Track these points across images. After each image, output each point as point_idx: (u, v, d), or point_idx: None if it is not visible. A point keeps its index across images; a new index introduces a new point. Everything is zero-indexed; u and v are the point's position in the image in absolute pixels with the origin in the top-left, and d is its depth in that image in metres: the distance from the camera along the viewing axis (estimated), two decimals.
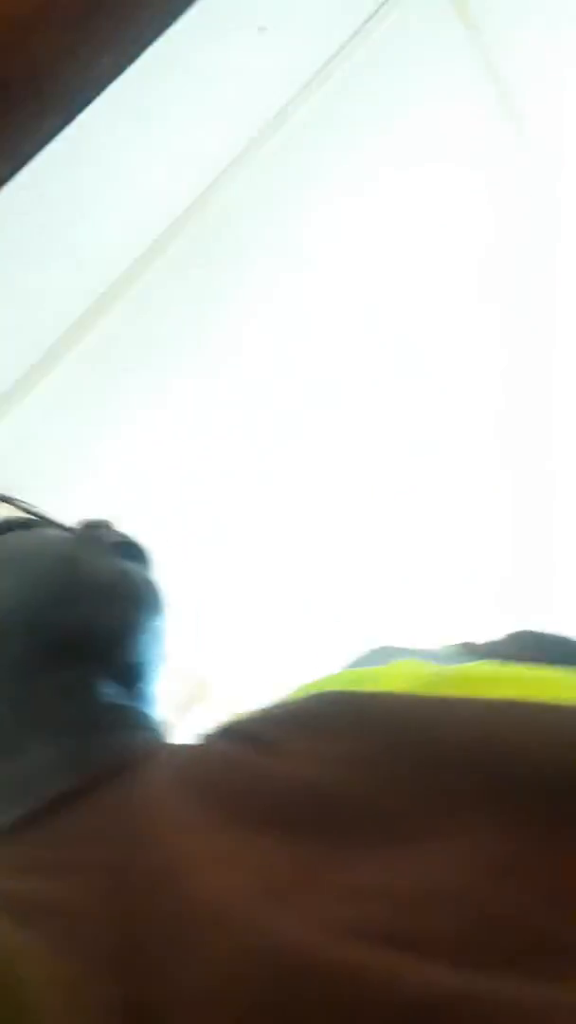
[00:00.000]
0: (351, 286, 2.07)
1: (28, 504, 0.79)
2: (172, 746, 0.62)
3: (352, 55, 1.90)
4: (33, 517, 0.77)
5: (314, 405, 2.18)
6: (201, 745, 0.58)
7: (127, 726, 0.63)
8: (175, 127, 1.73)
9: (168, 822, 0.47)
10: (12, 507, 0.79)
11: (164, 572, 0.72)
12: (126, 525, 0.75)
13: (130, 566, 0.69)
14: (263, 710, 0.58)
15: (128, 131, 1.68)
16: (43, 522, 0.76)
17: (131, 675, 0.66)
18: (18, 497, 0.80)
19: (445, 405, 2.43)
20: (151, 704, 0.68)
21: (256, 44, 1.73)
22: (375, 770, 0.44)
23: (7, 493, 0.80)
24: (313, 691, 0.58)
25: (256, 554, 2.24)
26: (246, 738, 0.54)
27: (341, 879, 0.38)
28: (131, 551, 0.72)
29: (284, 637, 2.27)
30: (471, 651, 0.68)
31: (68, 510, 0.77)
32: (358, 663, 0.71)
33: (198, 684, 2.01)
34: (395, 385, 2.31)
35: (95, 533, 0.73)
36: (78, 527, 0.75)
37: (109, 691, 0.64)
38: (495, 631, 0.72)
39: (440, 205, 2.18)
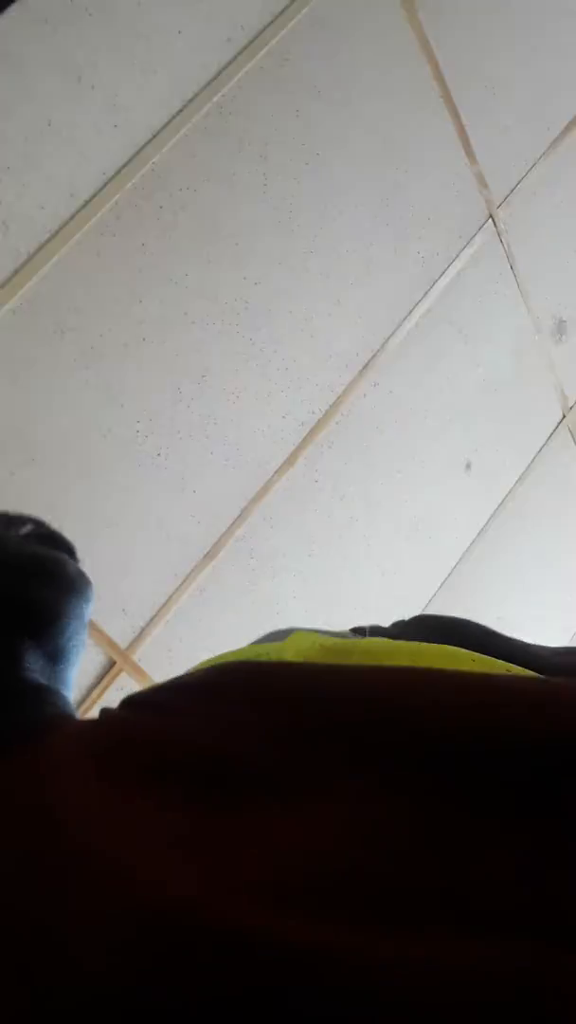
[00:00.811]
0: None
1: None
2: (77, 720, 0.62)
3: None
4: None
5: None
6: (101, 716, 0.58)
7: (44, 702, 0.63)
8: (107, 82, 1.70)
9: (66, 787, 0.46)
10: None
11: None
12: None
13: (59, 553, 0.69)
14: (163, 681, 0.58)
15: (56, 89, 1.65)
16: None
17: (55, 657, 0.66)
18: None
19: None
20: (68, 688, 0.68)
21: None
22: (264, 733, 0.45)
23: None
24: (212, 663, 0.58)
25: None
26: (143, 706, 0.54)
27: (227, 838, 0.39)
28: (55, 542, 0.72)
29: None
30: (372, 632, 0.69)
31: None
32: (260, 640, 0.72)
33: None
34: None
35: (16, 521, 0.73)
36: (8, 514, 0.75)
37: (33, 667, 0.63)
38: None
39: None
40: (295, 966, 0.30)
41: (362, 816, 0.37)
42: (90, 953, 0.34)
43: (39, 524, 0.75)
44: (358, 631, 0.70)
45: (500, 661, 0.51)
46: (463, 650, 0.53)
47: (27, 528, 0.73)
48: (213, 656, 0.62)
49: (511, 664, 0.51)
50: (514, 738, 0.39)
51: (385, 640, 0.59)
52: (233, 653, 0.63)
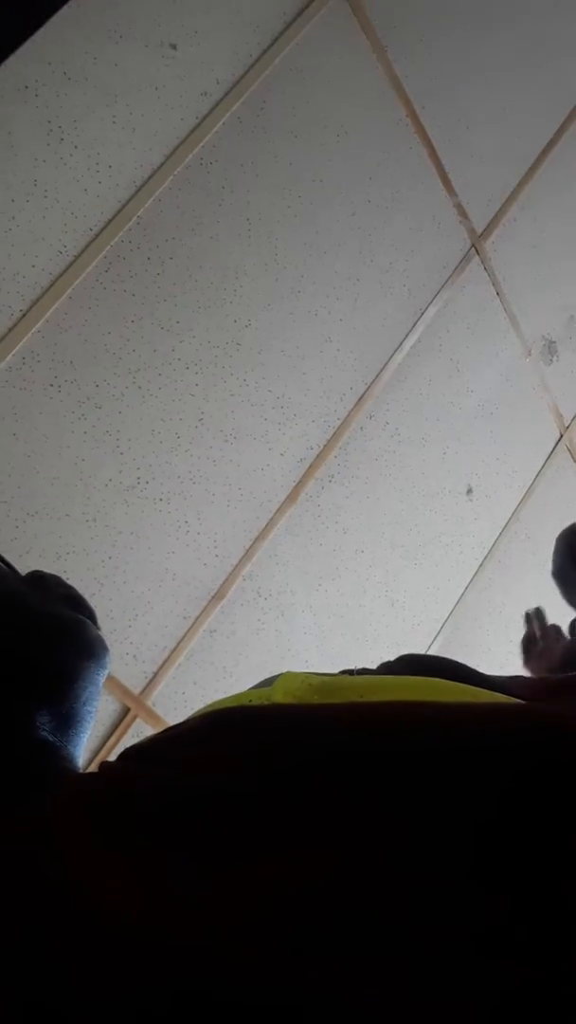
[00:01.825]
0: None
1: None
2: (78, 774, 0.63)
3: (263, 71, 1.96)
4: None
5: None
6: (100, 769, 0.58)
7: (50, 760, 0.63)
8: (89, 141, 1.75)
9: (63, 845, 0.47)
10: None
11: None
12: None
13: (82, 618, 0.70)
14: (158, 731, 0.58)
15: (39, 151, 1.69)
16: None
17: (68, 720, 0.66)
18: None
19: None
20: (77, 753, 0.68)
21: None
22: (251, 777, 0.45)
23: None
24: (205, 711, 0.59)
25: None
26: (137, 757, 0.55)
27: (220, 885, 0.39)
28: (79, 606, 0.72)
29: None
30: (360, 673, 0.70)
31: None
32: (254, 686, 0.72)
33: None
34: None
35: (47, 582, 0.74)
36: (30, 575, 0.75)
37: (44, 728, 0.64)
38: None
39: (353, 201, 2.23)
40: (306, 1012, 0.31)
41: (350, 862, 0.38)
42: None
43: (63, 585, 0.76)
44: (347, 673, 0.71)
45: (483, 690, 0.52)
46: (448, 681, 0.53)
47: (50, 588, 0.73)
48: (209, 703, 0.63)
49: (494, 692, 0.52)
50: (503, 767, 0.39)
51: (373, 676, 0.60)
52: (224, 700, 0.64)
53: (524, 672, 1.35)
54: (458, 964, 0.33)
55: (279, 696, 0.58)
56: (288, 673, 0.64)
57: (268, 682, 0.67)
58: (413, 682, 0.54)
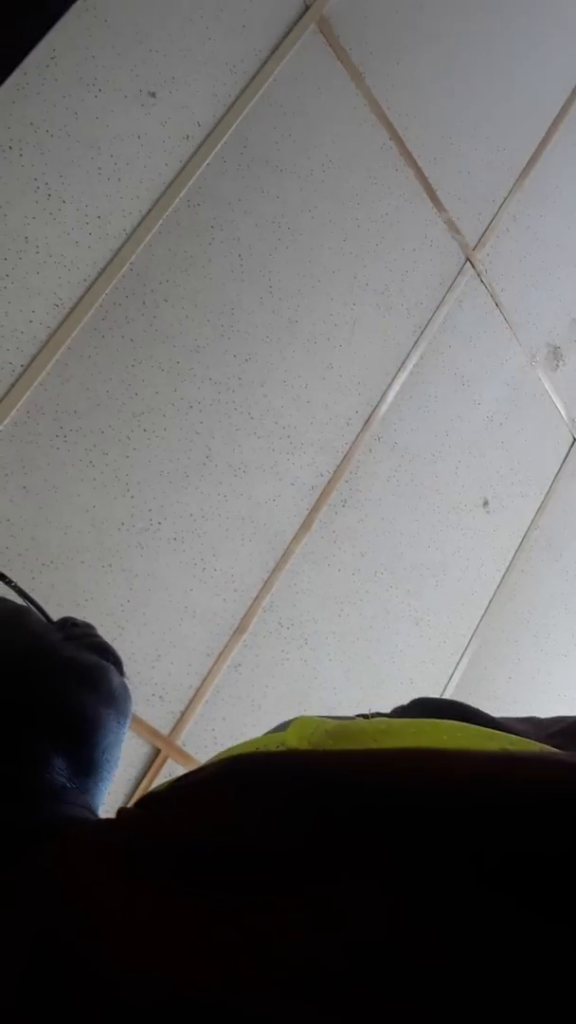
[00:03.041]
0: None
1: (20, 586, 0.80)
2: (94, 820, 0.63)
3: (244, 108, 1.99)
4: (23, 600, 0.78)
5: None
6: (118, 816, 0.58)
7: (64, 804, 0.64)
8: (77, 195, 1.78)
9: (77, 889, 0.47)
10: (7, 587, 0.81)
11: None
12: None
13: (106, 664, 0.70)
14: (175, 777, 0.58)
15: (29, 209, 1.72)
16: (31, 605, 0.77)
17: (87, 769, 0.67)
18: (11, 578, 0.82)
19: None
20: (97, 801, 0.68)
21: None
22: (266, 823, 0.45)
23: (4, 572, 0.81)
24: (221, 757, 0.59)
25: None
26: (155, 803, 0.55)
27: (238, 931, 0.39)
28: (105, 652, 0.73)
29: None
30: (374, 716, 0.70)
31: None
32: (268, 732, 0.72)
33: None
34: None
35: (75, 628, 0.74)
36: (60, 621, 0.76)
37: (61, 774, 0.64)
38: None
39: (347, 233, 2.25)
40: None
41: (368, 909, 0.38)
42: None
43: (91, 631, 0.76)
44: (360, 717, 0.71)
45: (500, 732, 0.52)
46: (464, 724, 0.53)
47: (78, 634, 0.74)
48: (226, 748, 0.63)
49: (513, 736, 0.51)
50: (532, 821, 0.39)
51: (388, 719, 0.59)
52: (240, 746, 0.64)
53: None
54: None
55: (293, 741, 0.58)
56: (302, 718, 0.63)
57: (283, 727, 0.67)
58: (429, 726, 0.54)
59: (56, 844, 0.55)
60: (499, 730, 0.57)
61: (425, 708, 0.66)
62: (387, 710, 0.72)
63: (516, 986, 0.33)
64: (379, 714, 0.68)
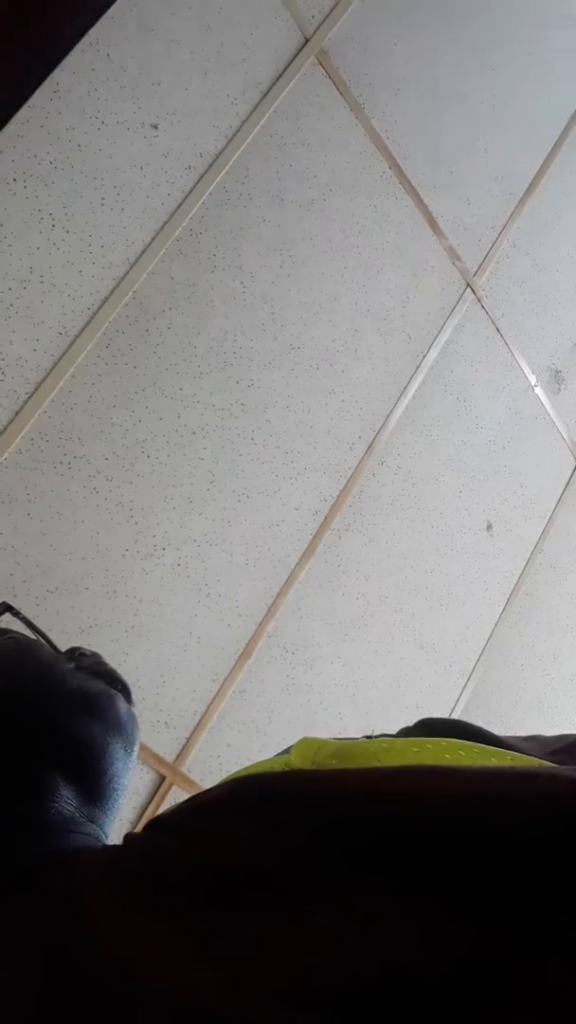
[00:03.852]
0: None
1: (29, 618, 0.81)
2: (100, 847, 0.63)
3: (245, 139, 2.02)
4: (32, 633, 0.78)
5: None
6: (124, 841, 0.58)
7: (71, 833, 0.64)
8: (80, 225, 1.80)
9: (84, 917, 0.47)
10: (15, 618, 0.81)
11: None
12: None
13: (113, 692, 0.70)
14: (182, 801, 0.59)
15: (33, 239, 1.75)
16: (40, 636, 0.78)
17: (93, 797, 0.67)
18: (21, 610, 0.82)
19: None
20: (105, 830, 0.68)
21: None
22: (267, 845, 0.46)
23: (11, 603, 0.82)
24: (226, 780, 0.59)
25: None
26: (162, 827, 0.55)
27: (243, 952, 0.39)
28: (112, 681, 0.73)
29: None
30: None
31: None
32: (277, 755, 0.72)
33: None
34: None
35: (82, 657, 0.75)
36: (68, 651, 0.76)
37: (68, 802, 0.64)
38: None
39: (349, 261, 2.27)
40: None
41: (371, 926, 0.38)
42: None
43: (99, 661, 0.76)
44: (366, 737, 0.71)
45: (504, 751, 0.52)
46: (467, 742, 0.53)
47: (86, 663, 0.74)
48: (233, 772, 0.63)
49: (515, 753, 0.51)
50: (532, 832, 0.39)
51: (390, 739, 0.59)
52: (246, 768, 0.64)
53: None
54: None
55: (296, 761, 0.58)
56: (305, 739, 0.64)
57: (288, 750, 0.67)
58: (431, 744, 0.54)
59: (65, 872, 0.55)
60: (502, 748, 0.57)
61: (430, 728, 0.66)
62: (393, 731, 0.72)
63: (516, 986, 0.33)
64: (384, 735, 0.68)
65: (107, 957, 0.42)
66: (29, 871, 0.57)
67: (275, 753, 0.74)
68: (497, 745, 0.59)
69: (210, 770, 2.06)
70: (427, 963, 0.35)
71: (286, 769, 0.58)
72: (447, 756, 0.52)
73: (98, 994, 0.40)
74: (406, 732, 0.69)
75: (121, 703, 0.71)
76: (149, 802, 1.95)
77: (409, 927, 0.37)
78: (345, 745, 0.59)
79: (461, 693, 2.59)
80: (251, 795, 0.52)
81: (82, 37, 1.78)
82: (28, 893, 0.55)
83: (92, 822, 0.66)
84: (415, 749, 0.54)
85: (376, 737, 0.69)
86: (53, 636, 0.75)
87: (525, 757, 0.51)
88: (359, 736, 0.73)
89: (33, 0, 1.71)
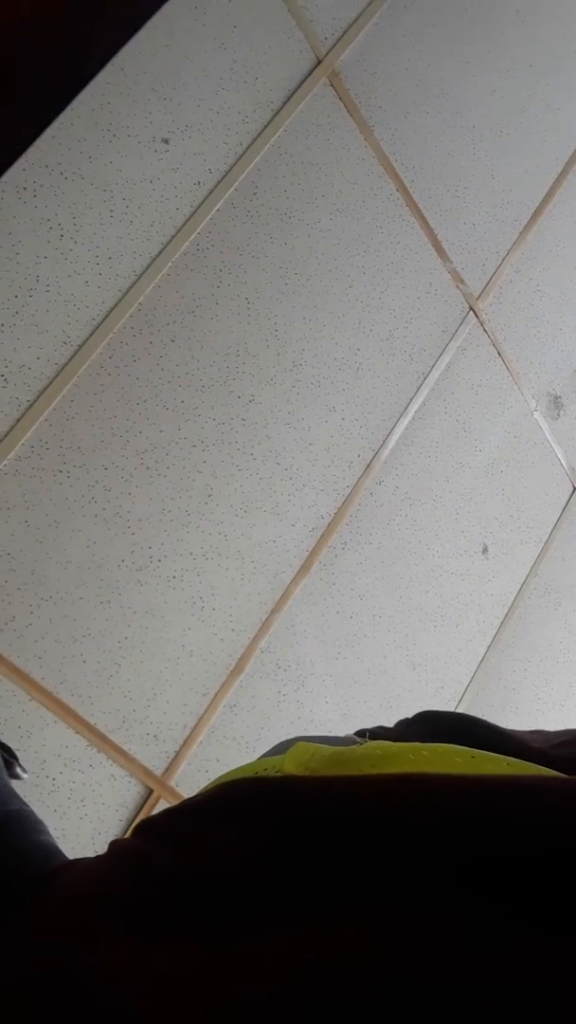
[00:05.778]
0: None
1: None
2: (84, 861, 0.62)
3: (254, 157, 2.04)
4: None
5: None
6: (110, 849, 0.58)
7: (50, 856, 0.64)
8: (88, 236, 1.81)
9: (69, 935, 0.47)
10: None
11: None
12: None
13: None
14: (173, 804, 0.58)
15: (41, 249, 1.75)
16: None
17: None
18: None
19: None
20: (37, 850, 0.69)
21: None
22: (260, 854, 0.45)
23: None
24: (219, 782, 0.58)
25: None
26: (151, 831, 0.55)
27: (233, 965, 0.39)
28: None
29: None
30: (374, 735, 0.70)
31: None
32: (266, 754, 0.72)
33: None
34: None
35: None
36: None
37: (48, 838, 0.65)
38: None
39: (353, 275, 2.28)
40: None
41: (365, 938, 0.37)
42: None
43: None
44: (361, 734, 0.71)
45: (500, 756, 0.51)
46: (463, 747, 0.53)
47: None
48: (223, 774, 0.63)
49: (511, 758, 0.51)
50: (519, 838, 0.39)
51: (385, 744, 0.59)
52: (239, 769, 0.63)
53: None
54: None
55: (290, 767, 0.57)
56: (300, 744, 0.63)
57: (281, 749, 0.67)
58: (427, 751, 0.53)
59: (49, 893, 0.55)
60: (505, 741, 0.57)
61: (430, 722, 0.66)
62: (391, 723, 0.72)
63: (515, 987, 0.33)
64: (379, 731, 0.67)
65: (97, 995, 0.41)
66: (18, 897, 0.56)
67: (267, 750, 0.73)
68: (498, 738, 0.59)
69: (198, 784, 2.05)
70: (417, 975, 0.35)
71: (279, 775, 0.58)
72: (443, 764, 0.52)
73: (91, 1010, 0.39)
74: (407, 725, 0.68)
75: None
76: (136, 815, 1.94)
77: (398, 938, 0.37)
78: (339, 751, 0.58)
79: None
80: (243, 801, 0.52)
81: (115, 54, 1.81)
82: (15, 922, 0.54)
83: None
84: (411, 756, 0.54)
85: (372, 731, 0.68)
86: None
87: (522, 763, 0.51)
88: (353, 731, 0.72)
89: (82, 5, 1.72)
